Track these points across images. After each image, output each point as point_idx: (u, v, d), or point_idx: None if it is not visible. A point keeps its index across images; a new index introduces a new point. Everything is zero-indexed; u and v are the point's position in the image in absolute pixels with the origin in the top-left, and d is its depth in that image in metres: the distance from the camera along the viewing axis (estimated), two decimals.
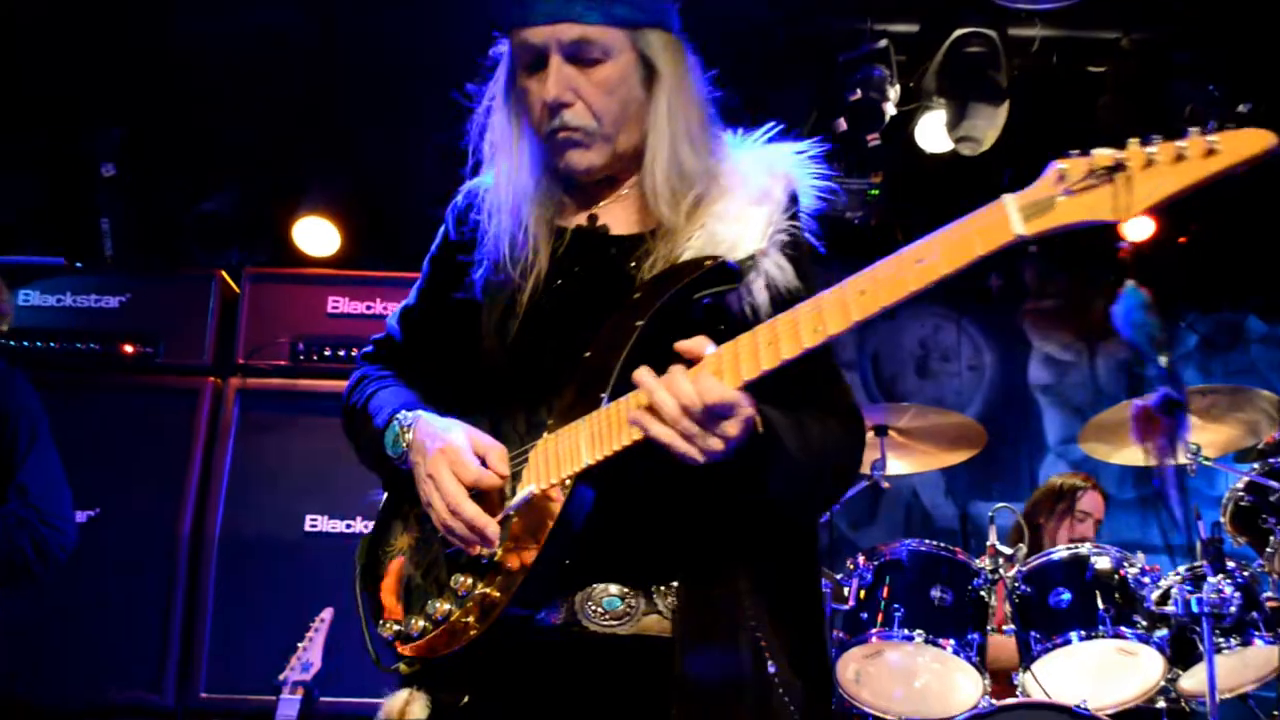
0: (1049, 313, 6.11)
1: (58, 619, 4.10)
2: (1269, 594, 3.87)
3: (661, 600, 1.87)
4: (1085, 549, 3.77)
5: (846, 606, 3.89)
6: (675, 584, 1.86)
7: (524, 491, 1.81)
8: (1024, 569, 3.78)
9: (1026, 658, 3.67)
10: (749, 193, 1.95)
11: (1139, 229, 5.25)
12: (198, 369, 4.40)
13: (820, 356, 1.79)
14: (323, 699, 3.64)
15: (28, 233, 5.01)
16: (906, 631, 3.73)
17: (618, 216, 2.03)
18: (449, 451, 1.85)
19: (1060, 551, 3.80)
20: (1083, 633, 3.61)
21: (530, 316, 1.96)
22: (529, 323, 1.95)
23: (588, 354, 1.86)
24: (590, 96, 1.92)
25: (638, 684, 1.84)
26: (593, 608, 1.87)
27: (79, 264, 4.65)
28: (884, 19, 4.74)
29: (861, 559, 3.93)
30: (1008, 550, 3.89)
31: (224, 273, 4.56)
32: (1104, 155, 1.54)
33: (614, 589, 1.87)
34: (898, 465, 4.39)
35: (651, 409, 1.66)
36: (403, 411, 1.97)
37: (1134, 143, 1.54)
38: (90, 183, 4.87)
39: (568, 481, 1.79)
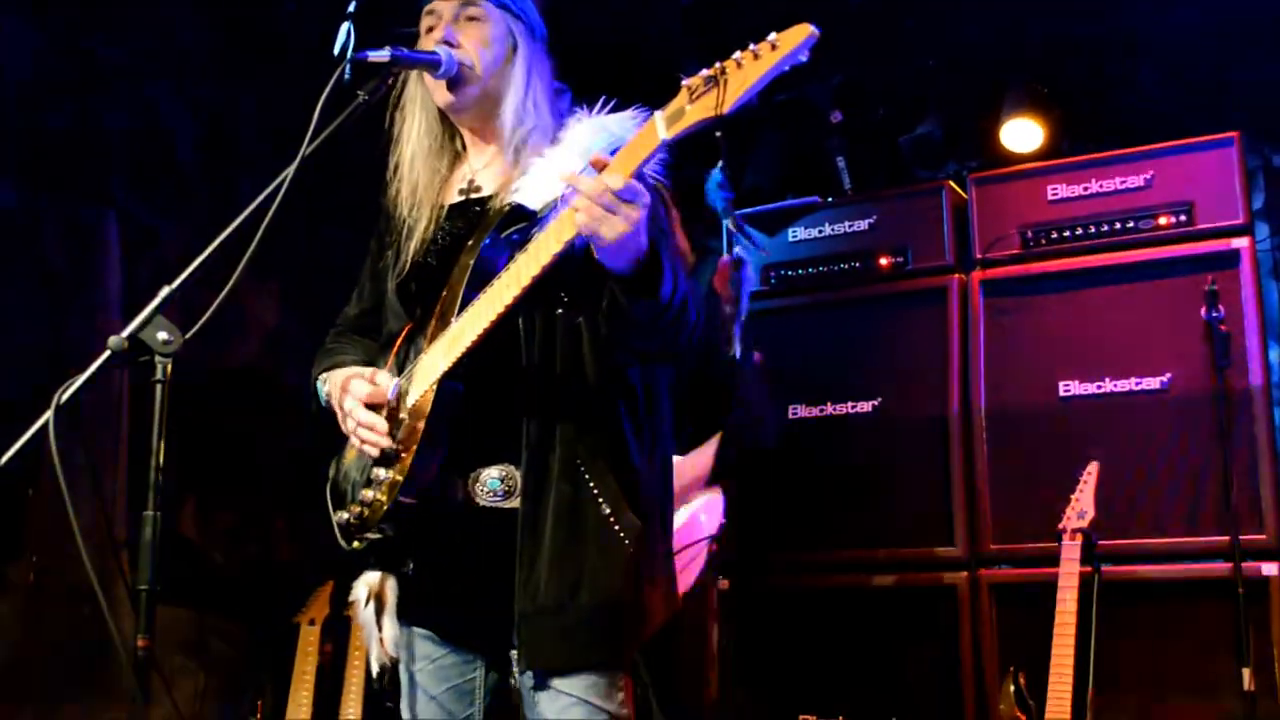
0: None
1: (860, 490, 4.72)
2: None
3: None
4: None
5: None
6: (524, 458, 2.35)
7: (392, 388, 2.37)
8: None
9: None
10: (574, 149, 2.40)
11: None
12: (943, 269, 4.86)
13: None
14: (1100, 542, 4.00)
15: (781, 185, 5.83)
16: None
17: (487, 179, 2.62)
18: (346, 384, 2.48)
19: None
20: None
21: (415, 268, 2.56)
22: (415, 273, 2.56)
23: (444, 291, 2.45)
24: (470, 43, 2.53)
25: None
26: (480, 488, 2.41)
27: (829, 199, 5.31)
28: None
29: None
30: None
31: (950, 182, 5.00)
32: (711, 68, 1.99)
33: (495, 471, 2.41)
34: None
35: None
36: (325, 373, 2.64)
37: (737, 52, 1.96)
38: (823, 129, 5.61)
39: (432, 385, 2.34)
